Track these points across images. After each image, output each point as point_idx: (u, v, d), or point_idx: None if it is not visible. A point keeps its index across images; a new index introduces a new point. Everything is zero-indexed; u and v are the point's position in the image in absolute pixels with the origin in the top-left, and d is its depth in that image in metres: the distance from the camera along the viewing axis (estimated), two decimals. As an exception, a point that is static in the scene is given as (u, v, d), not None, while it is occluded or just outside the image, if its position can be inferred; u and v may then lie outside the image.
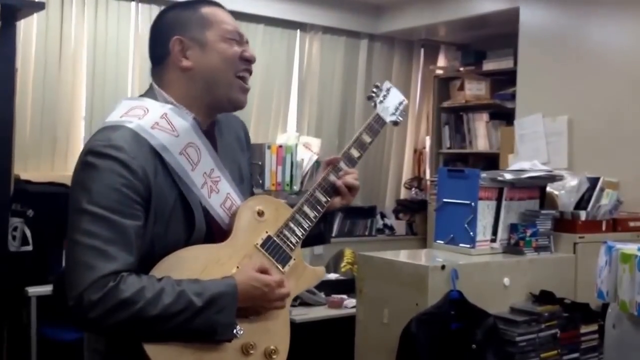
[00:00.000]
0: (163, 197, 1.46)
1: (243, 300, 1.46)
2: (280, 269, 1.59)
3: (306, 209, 1.65)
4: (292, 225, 1.62)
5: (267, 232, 1.59)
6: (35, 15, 4.15)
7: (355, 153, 1.75)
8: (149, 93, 1.59)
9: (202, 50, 1.56)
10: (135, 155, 1.42)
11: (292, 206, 1.66)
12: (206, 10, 1.60)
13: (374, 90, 1.86)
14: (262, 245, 1.57)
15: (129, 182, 1.40)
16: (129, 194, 1.40)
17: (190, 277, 1.44)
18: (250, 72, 1.64)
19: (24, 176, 4.05)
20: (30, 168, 4.44)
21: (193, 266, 1.47)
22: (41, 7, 3.03)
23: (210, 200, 1.55)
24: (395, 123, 1.88)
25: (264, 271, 1.51)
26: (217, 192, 1.57)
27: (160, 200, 1.45)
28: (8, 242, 3.41)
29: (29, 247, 3.74)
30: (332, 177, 1.70)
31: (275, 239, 1.59)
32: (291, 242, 1.61)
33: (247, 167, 1.77)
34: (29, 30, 4.49)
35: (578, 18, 4.40)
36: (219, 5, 1.65)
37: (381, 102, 1.84)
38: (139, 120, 1.48)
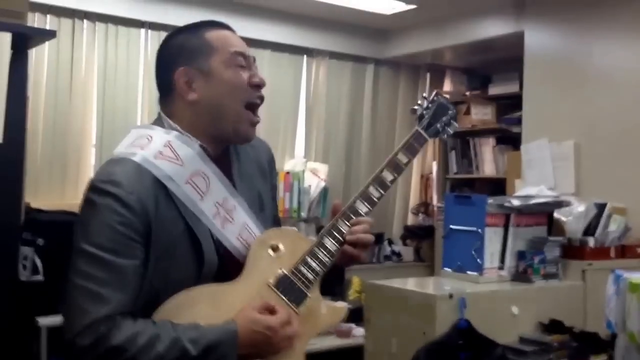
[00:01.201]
0: (166, 231, 1.39)
1: (244, 347, 1.37)
2: (295, 309, 1.46)
3: (327, 241, 1.51)
4: (309, 260, 1.49)
5: (281, 269, 1.47)
6: (46, 42, 4.18)
7: (388, 176, 1.58)
8: (157, 121, 1.54)
9: (207, 80, 1.48)
10: (133, 190, 1.36)
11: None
12: (210, 34, 1.52)
13: (419, 102, 1.70)
14: (276, 284, 1.46)
15: (125, 219, 1.35)
16: (125, 232, 1.35)
17: (195, 320, 1.37)
18: (261, 99, 1.54)
19: (34, 204, 4.04)
20: (41, 196, 4.44)
21: (198, 308, 1.39)
22: (52, 35, 3.06)
23: (224, 231, 1.46)
24: (442, 138, 1.73)
25: (269, 310, 1.41)
26: (232, 222, 1.47)
27: (163, 235, 1.38)
28: (19, 272, 3.40)
29: (40, 277, 3.72)
30: (343, 227, 1.53)
31: (290, 276, 1.47)
32: (307, 279, 1.48)
33: (270, 193, 1.66)
34: (41, 58, 4.53)
35: (583, 41, 4.41)
36: (224, 26, 1.57)
37: (422, 115, 1.67)
38: (142, 151, 1.42)
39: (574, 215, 3.19)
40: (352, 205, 1.55)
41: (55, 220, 3.89)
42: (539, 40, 4.69)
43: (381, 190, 1.57)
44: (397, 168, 1.59)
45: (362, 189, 1.57)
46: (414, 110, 1.68)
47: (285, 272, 1.47)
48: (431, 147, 6.30)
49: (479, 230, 2.91)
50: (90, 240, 1.35)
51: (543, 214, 3.14)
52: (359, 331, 3.63)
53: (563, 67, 4.50)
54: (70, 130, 4.65)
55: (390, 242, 5.90)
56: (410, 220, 6.19)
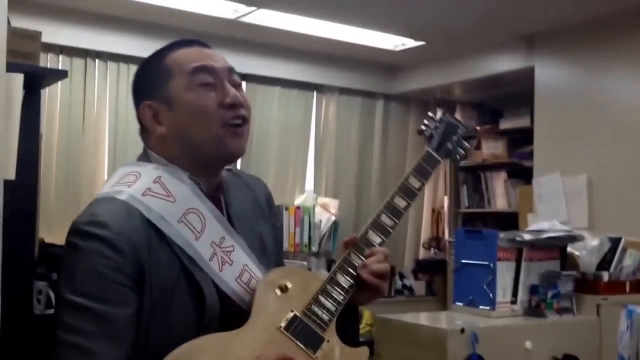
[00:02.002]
0: (161, 274, 1.23)
1: None
2: (312, 355, 1.29)
3: (340, 277, 1.37)
4: (322, 299, 1.33)
5: (292, 311, 1.30)
6: (59, 82, 4.25)
7: (401, 203, 1.44)
8: (143, 156, 1.39)
9: (171, 110, 1.33)
10: (122, 231, 1.21)
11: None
12: (170, 57, 1.36)
13: (426, 122, 1.57)
14: (287, 328, 1.29)
15: (114, 263, 1.20)
16: (115, 278, 1.19)
17: None
18: (241, 118, 1.35)
19: (48, 240, 4.05)
20: (54, 231, 4.43)
21: None
22: (64, 75, 3.11)
23: (222, 274, 1.30)
24: (455, 158, 1.59)
25: None
26: (231, 264, 1.32)
27: (158, 279, 1.23)
28: (33, 306, 3.42)
29: (53, 310, 3.73)
30: (356, 260, 1.40)
31: (302, 318, 1.31)
32: (322, 320, 1.31)
33: (272, 235, 1.50)
34: (54, 96, 4.60)
35: (593, 75, 4.41)
36: (193, 42, 1.40)
37: (432, 135, 1.55)
38: (129, 189, 1.28)
39: (587, 250, 3.16)
40: (365, 237, 1.41)
41: None
42: (549, 74, 4.71)
43: (394, 219, 1.43)
44: (409, 193, 1.46)
45: (373, 218, 1.44)
46: (421, 131, 1.56)
47: (297, 313, 1.31)
48: (442, 181, 6.29)
49: (491, 264, 2.89)
50: (75, 289, 1.20)
51: (556, 248, 3.11)
52: (370, 367, 3.58)
53: (574, 101, 4.50)
54: (83, 166, 4.71)
55: (402, 276, 5.87)
56: (422, 254, 6.16)
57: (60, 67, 4.51)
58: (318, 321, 1.31)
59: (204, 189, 1.35)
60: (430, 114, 1.61)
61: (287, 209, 5.01)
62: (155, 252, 1.24)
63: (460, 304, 2.97)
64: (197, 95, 1.32)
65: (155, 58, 1.38)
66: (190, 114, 1.32)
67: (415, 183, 1.47)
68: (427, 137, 1.55)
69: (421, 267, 6.00)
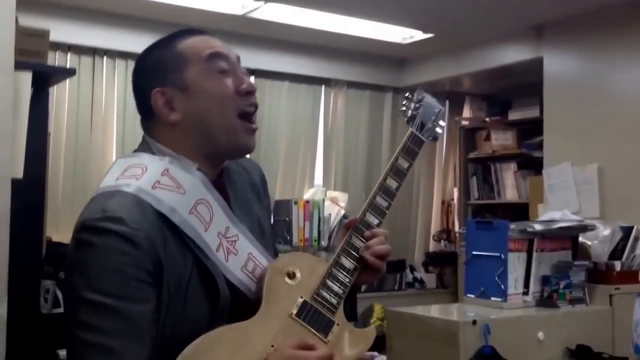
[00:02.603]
0: (177, 268, 1.23)
1: None
2: (323, 339, 1.30)
3: (343, 259, 1.39)
4: (330, 282, 1.35)
5: (301, 297, 1.32)
6: (67, 80, 4.27)
7: (392, 184, 1.47)
8: (143, 146, 1.37)
9: (187, 95, 1.32)
10: (139, 226, 1.19)
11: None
12: (182, 44, 1.35)
13: (405, 103, 1.59)
14: (299, 314, 1.30)
15: (134, 259, 1.17)
16: (136, 275, 1.17)
17: None
18: (255, 106, 1.38)
19: (56, 238, 4.09)
20: (62, 230, 4.48)
21: (220, 353, 1.21)
22: (72, 72, 3.13)
23: (228, 264, 1.30)
24: (434, 138, 1.59)
25: (306, 347, 1.24)
26: (236, 254, 1.33)
27: (174, 273, 1.22)
28: (40, 305, 3.43)
29: (61, 309, 3.74)
30: (357, 242, 1.42)
31: (312, 303, 1.32)
32: (331, 303, 1.34)
33: (267, 216, 1.54)
34: (62, 95, 4.62)
35: (602, 65, 4.39)
36: (200, 32, 1.39)
37: (414, 116, 1.56)
38: (138, 182, 1.26)
39: (599, 239, 3.15)
40: (363, 219, 1.44)
41: None
42: (558, 65, 4.69)
43: (389, 200, 1.46)
44: (399, 174, 1.48)
45: (369, 200, 1.46)
46: (403, 112, 1.58)
47: (307, 299, 1.32)
48: (452, 172, 6.28)
49: (502, 255, 2.88)
50: (93, 287, 1.16)
51: (567, 238, 3.10)
52: (381, 359, 3.59)
53: (583, 91, 4.48)
54: (91, 165, 4.73)
55: (413, 269, 5.87)
56: (432, 246, 6.16)
57: (68, 65, 4.54)
58: (327, 305, 1.33)
59: (210, 178, 1.34)
60: (408, 94, 1.61)
61: (296, 203, 5.02)
62: (170, 246, 1.23)
63: (472, 295, 2.97)
64: (215, 82, 1.32)
65: (164, 45, 1.36)
66: (208, 100, 1.32)
67: (404, 164, 1.49)
68: (409, 117, 1.56)
69: (432, 260, 6.00)
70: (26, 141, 2.44)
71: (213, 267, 1.28)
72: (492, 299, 2.88)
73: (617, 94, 4.27)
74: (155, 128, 1.36)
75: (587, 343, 2.77)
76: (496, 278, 2.87)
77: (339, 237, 1.47)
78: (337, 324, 1.33)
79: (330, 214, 5.14)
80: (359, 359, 1.36)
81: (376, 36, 5.12)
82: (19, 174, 2.36)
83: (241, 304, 1.29)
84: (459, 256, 5.44)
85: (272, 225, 1.60)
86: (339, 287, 1.36)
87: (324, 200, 5.17)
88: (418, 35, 5.11)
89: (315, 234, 5.04)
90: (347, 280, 1.37)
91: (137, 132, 4.83)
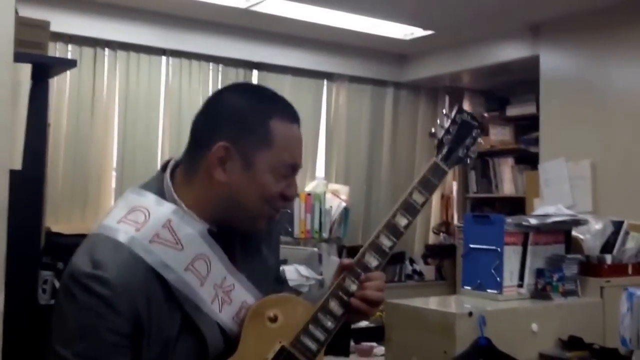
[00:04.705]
0: (162, 328, 1.22)
1: None
2: None
3: (332, 304, 1.33)
4: (312, 329, 1.31)
5: (280, 342, 1.29)
6: (68, 71, 4.26)
7: (401, 221, 1.39)
8: (157, 182, 1.33)
9: (244, 170, 1.29)
10: (123, 290, 1.18)
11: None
12: (275, 124, 1.31)
13: (439, 122, 1.47)
14: None
15: (111, 324, 1.17)
16: (111, 339, 1.17)
17: None
18: (287, 207, 1.36)
19: (55, 228, 4.08)
20: (61, 220, 4.51)
21: None
22: (73, 64, 3.11)
23: (221, 314, 1.28)
24: (465, 164, 1.48)
25: None
26: (230, 303, 1.30)
27: (158, 334, 1.22)
28: (38, 296, 3.41)
29: None
30: (351, 286, 1.35)
31: (290, 349, 1.29)
32: (311, 351, 1.30)
33: (273, 253, 1.50)
34: (63, 86, 4.63)
35: (597, 63, 4.48)
36: (294, 120, 1.36)
37: (442, 141, 1.45)
38: (137, 232, 1.23)
39: (591, 233, 3.22)
40: (361, 260, 1.36)
41: (75, 244, 3.89)
42: (554, 63, 4.77)
43: (393, 238, 1.38)
44: (411, 210, 1.39)
45: (371, 239, 1.38)
46: (433, 134, 1.46)
47: (285, 345, 1.29)
48: (451, 167, 6.35)
49: (498, 248, 2.95)
50: (67, 344, 1.18)
51: (561, 232, 3.17)
52: (379, 350, 3.66)
53: (578, 88, 4.57)
54: (91, 155, 4.73)
55: (412, 261, 5.93)
56: (432, 239, 6.23)
57: (69, 57, 4.54)
58: (306, 353, 1.30)
59: (214, 230, 1.32)
60: (445, 111, 1.48)
61: (297, 195, 5.09)
62: (156, 305, 1.22)
63: (469, 288, 3.03)
64: (272, 181, 1.30)
65: (259, 108, 1.32)
66: (256, 189, 1.29)
67: (419, 199, 1.40)
68: (438, 143, 1.45)
69: (431, 252, 6.06)
70: (25, 133, 2.39)
71: (204, 321, 1.26)
72: (488, 291, 2.93)
73: (611, 91, 4.36)
74: (194, 168, 1.32)
75: (578, 334, 2.82)
76: (492, 271, 2.92)
77: (333, 277, 1.41)
78: None
79: (331, 207, 5.20)
80: None
81: (378, 32, 5.17)
82: (18, 166, 2.33)
83: (233, 351, 1.29)
84: (457, 249, 5.51)
85: (279, 260, 1.57)
86: (321, 333, 1.31)
87: (325, 192, 5.22)
88: (419, 32, 5.17)
89: (316, 226, 5.11)
90: (332, 326, 1.32)
91: (138, 123, 4.91)
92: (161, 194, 1.30)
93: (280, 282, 1.58)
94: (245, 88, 1.40)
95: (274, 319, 1.31)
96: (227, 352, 1.27)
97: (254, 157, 1.29)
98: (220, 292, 1.29)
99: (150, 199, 1.29)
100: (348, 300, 1.34)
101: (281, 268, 3.40)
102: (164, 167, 1.35)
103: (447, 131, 1.45)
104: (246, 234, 1.39)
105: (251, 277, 1.36)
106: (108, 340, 1.17)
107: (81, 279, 1.18)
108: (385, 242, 1.37)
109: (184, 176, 1.33)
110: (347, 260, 1.39)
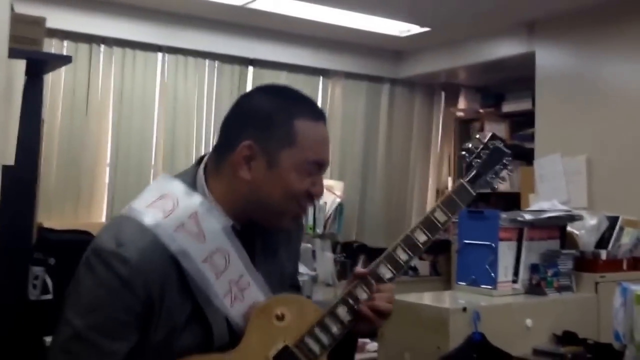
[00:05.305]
0: (172, 314, 1.26)
1: None
2: None
3: (340, 310, 1.34)
4: (318, 332, 1.31)
5: (284, 342, 1.30)
6: (63, 67, 4.23)
7: (421, 237, 1.38)
8: (190, 175, 1.37)
9: (269, 169, 1.31)
10: (142, 270, 1.22)
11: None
12: (300, 124, 1.32)
13: (470, 146, 1.46)
14: (276, 358, 1.30)
15: (126, 302, 1.22)
16: (123, 316, 1.22)
17: None
18: (313, 205, 1.39)
19: (47, 224, 4.05)
20: (54, 216, 4.50)
21: None
22: (68, 60, 3.09)
23: (231, 309, 1.31)
24: (491, 188, 1.49)
25: None
26: (242, 300, 1.32)
27: (167, 319, 1.25)
28: (28, 291, 3.39)
29: (49, 296, 3.67)
30: (361, 295, 1.36)
31: (293, 349, 1.30)
32: (314, 353, 1.31)
33: (292, 259, 1.53)
34: (58, 81, 4.63)
35: (592, 59, 4.49)
36: (319, 118, 1.37)
37: (471, 164, 1.45)
38: (164, 220, 1.27)
39: (586, 229, 3.22)
40: (375, 271, 1.37)
41: (66, 240, 3.84)
42: (549, 59, 4.78)
43: (410, 253, 1.38)
44: (432, 228, 1.39)
45: (388, 251, 1.39)
46: (463, 157, 1.46)
47: (289, 344, 1.30)
48: (446, 162, 6.36)
49: (493, 244, 2.95)
50: (81, 315, 1.23)
51: (556, 227, 3.17)
52: (372, 346, 3.66)
53: (574, 85, 4.58)
54: (85, 151, 4.74)
55: (407, 258, 5.92)
56: (427, 235, 6.22)
57: (65, 53, 4.54)
58: (309, 355, 1.31)
59: (238, 228, 1.35)
60: (478, 136, 1.48)
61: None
62: (170, 291, 1.25)
63: (463, 283, 3.03)
64: (299, 179, 1.32)
65: (285, 109, 1.34)
66: (282, 187, 1.32)
67: (441, 217, 1.40)
68: (467, 165, 1.45)
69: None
70: (19, 128, 2.38)
71: (213, 313, 1.29)
72: (483, 286, 2.93)
73: (606, 87, 4.37)
74: (220, 167, 1.35)
75: (573, 329, 2.82)
76: (487, 266, 2.92)
77: (345, 285, 1.42)
78: None
79: (325, 203, 5.19)
80: None
81: (374, 29, 5.18)
82: (11, 161, 2.32)
83: (237, 345, 1.31)
84: (452, 244, 5.51)
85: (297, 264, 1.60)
86: (327, 337, 1.32)
87: (320, 189, 5.21)
88: (415, 28, 5.18)
89: (310, 221, 5.10)
90: (338, 332, 1.33)
91: (132, 120, 4.91)
92: (192, 185, 1.34)
93: (297, 289, 1.59)
94: (271, 89, 1.42)
95: (281, 317, 1.32)
96: (231, 346, 1.30)
97: (278, 155, 1.31)
98: (235, 288, 1.31)
99: (180, 189, 1.33)
100: (357, 308, 1.35)
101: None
102: (199, 161, 1.39)
103: (478, 155, 1.46)
104: (267, 237, 1.41)
105: (267, 278, 1.37)
106: (120, 317, 1.22)
107: (103, 255, 1.23)
108: (402, 256, 1.38)
109: (212, 172, 1.36)
110: (361, 270, 1.39)
